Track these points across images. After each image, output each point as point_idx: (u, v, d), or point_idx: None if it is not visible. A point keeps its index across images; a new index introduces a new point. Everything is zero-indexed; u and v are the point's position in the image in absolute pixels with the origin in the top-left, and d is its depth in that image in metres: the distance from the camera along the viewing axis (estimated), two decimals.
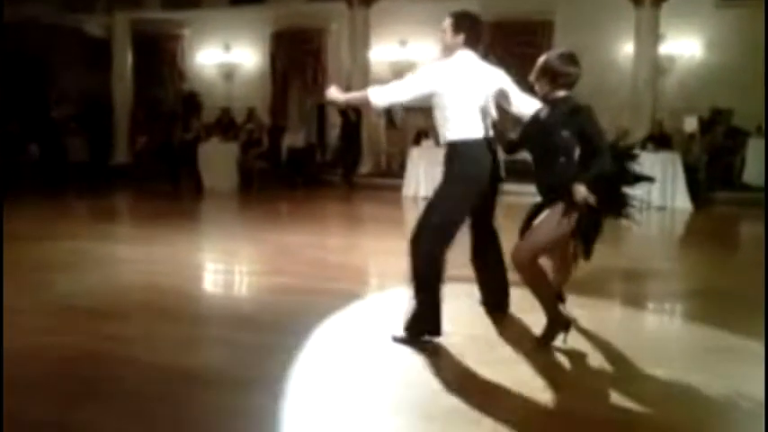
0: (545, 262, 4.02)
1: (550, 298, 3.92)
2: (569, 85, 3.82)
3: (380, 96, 4.04)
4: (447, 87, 3.96)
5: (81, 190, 12.70)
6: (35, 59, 16.03)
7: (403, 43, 14.96)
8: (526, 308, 4.29)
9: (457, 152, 3.98)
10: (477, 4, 13.98)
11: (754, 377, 3.40)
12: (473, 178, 3.96)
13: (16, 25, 15.01)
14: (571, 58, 3.82)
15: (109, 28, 15.83)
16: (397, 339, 3.94)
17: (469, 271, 4.51)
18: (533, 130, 3.93)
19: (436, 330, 3.91)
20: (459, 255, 4.19)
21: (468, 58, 4.06)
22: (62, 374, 3.46)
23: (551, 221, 3.77)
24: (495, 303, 4.48)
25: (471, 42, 4.08)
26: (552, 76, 3.79)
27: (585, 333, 4.11)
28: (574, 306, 3.95)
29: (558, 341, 3.88)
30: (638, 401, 3.18)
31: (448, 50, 4.10)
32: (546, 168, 3.85)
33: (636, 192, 4.04)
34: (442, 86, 3.96)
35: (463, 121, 3.96)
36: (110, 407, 3.11)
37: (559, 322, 3.90)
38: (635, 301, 5.29)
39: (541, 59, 3.86)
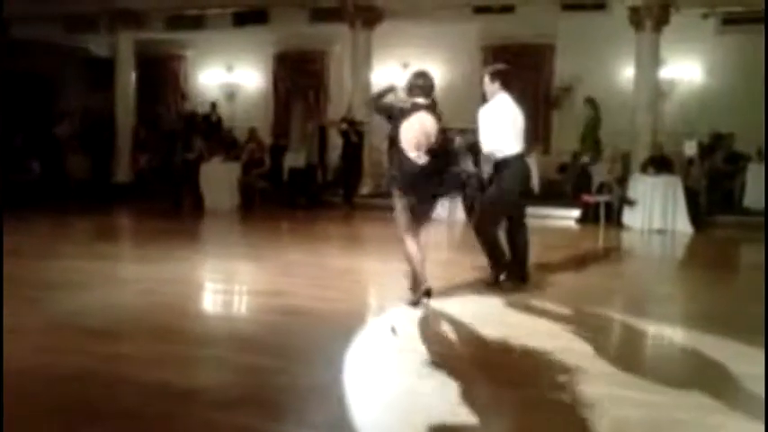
0: None
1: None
2: None
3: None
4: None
5: (82, 208, 12.71)
6: (40, 78, 16.15)
7: (405, 65, 15.01)
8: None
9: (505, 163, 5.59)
10: (479, 28, 14.20)
11: (750, 405, 3.40)
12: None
13: (23, 44, 15.13)
14: None
15: (113, 48, 15.91)
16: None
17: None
18: None
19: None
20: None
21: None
22: (62, 393, 3.45)
23: None
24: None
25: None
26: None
27: (584, 353, 4.12)
28: (574, 326, 3.95)
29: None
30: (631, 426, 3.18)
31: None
32: None
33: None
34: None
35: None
36: (110, 426, 3.10)
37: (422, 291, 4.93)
38: (634, 322, 5.26)
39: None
